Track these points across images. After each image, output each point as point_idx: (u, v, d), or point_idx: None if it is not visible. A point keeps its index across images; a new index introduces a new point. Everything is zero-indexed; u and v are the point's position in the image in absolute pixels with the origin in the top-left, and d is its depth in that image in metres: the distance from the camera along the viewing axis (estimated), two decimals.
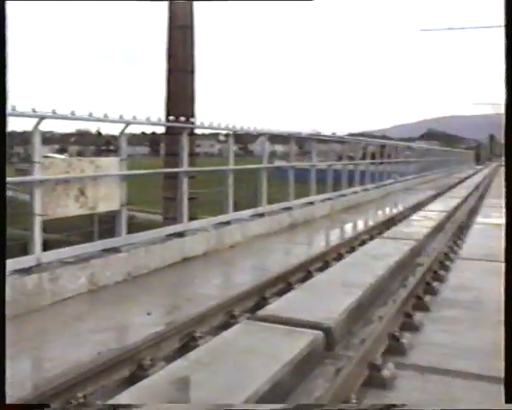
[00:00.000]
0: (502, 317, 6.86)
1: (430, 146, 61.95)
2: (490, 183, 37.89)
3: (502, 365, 5.31)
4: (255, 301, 7.29)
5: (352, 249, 11.08)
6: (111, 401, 3.92)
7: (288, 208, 14.92)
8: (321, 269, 9.16)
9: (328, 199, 18.26)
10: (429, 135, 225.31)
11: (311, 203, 16.67)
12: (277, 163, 17.64)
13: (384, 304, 7.23)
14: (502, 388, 4.84)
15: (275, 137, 17.22)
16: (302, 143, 21.25)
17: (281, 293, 7.48)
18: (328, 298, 6.66)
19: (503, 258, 9.16)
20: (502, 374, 5.08)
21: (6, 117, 0.48)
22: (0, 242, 0.46)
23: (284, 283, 8.21)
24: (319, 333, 5.38)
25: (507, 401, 0.49)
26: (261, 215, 13.26)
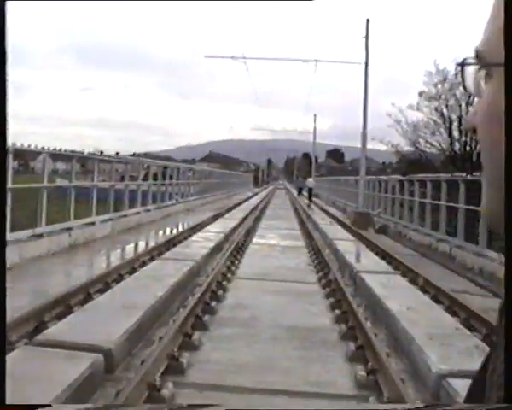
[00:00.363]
0: (275, 332, 7.37)
1: (211, 168, 63.85)
2: (267, 204, 40.04)
3: (273, 378, 5.76)
4: (34, 325, 7.07)
5: (133, 270, 11.13)
6: None
7: (69, 229, 14.57)
8: (101, 291, 9.11)
9: (110, 219, 18.11)
10: (211, 157, 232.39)
11: (93, 224, 16.43)
12: (59, 182, 17.15)
13: (164, 324, 7.39)
14: (269, 398, 5.25)
15: (57, 155, 16.73)
16: (85, 161, 20.86)
17: (60, 316, 7.34)
18: (108, 320, 6.67)
19: (277, 277, 9.88)
20: (274, 387, 5.52)
21: (6, 118, 0.49)
22: (0, 241, 0.47)
23: (64, 306, 8.05)
24: (99, 356, 5.39)
25: (507, 401, 0.58)
26: (40, 236, 12.81)
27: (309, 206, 40.48)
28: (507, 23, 0.52)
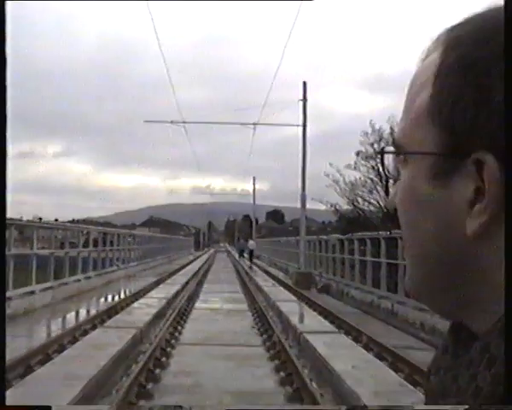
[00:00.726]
0: (221, 397, 7.30)
1: (152, 233, 63.41)
2: (208, 268, 39.89)
3: None
4: None
5: (75, 340, 10.89)
6: None
7: (8, 298, 14.18)
8: (42, 362, 8.87)
9: (50, 288, 17.72)
10: (151, 222, 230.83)
11: (33, 292, 16.04)
12: None
13: (108, 394, 7.24)
14: None
15: None
16: (23, 228, 20.48)
17: None
18: (50, 392, 6.50)
19: (221, 341, 9.82)
20: None
21: (6, 118, 0.50)
22: (0, 241, 0.47)
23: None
24: None
25: (507, 402, 0.57)
26: None
27: (251, 268, 40.57)
28: (507, 23, 0.54)
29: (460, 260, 0.59)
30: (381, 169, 32.29)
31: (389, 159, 0.69)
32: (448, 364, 0.61)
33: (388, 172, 0.69)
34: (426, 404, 0.64)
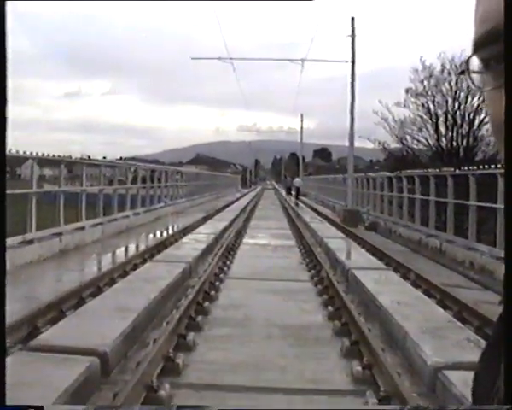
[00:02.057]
0: (269, 331, 7.38)
1: (199, 170, 63.82)
2: (255, 205, 40.05)
3: (268, 377, 5.77)
4: (27, 331, 7.04)
5: (125, 273, 11.11)
6: None
7: (59, 234, 14.52)
8: (94, 295, 9.08)
9: (100, 224, 18.06)
10: (198, 160, 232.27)
11: (83, 228, 16.38)
12: (47, 187, 17.09)
13: (158, 326, 7.38)
14: (267, 396, 5.26)
15: (43, 161, 16.64)
16: (72, 166, 20.81)
17: (54, 321, 7.31)
18: (102, 323, 6.65)
19: (269, 276, 9.88)
20: (271, 385, 5.53)
21: (6, 119, 0.49)
22: (0, 240, 0.47)
23: (57, 310, 8.02)
24: (94, 359, 5.38)
25: (507, 402, 0.57)
26: (30, 242, 12.76)
27: (297, 204, 40.59)
28: (507, 23, 0.51)
29: None
30: (431, 107, 31.61)
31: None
32: None
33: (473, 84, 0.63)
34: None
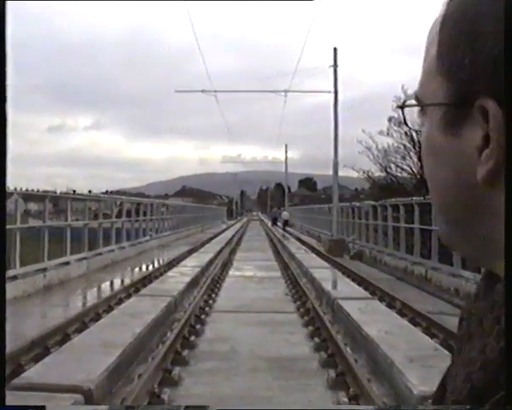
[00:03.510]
0: (255, 363, 7.34)
1: (185, 203, 63.81)
2: (241, 236, 40.06)
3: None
4: (11, 369, 6.96)
5: (110, 308, 11.04)
6: None
7: (43, 269, 14.42)
8: (79, 330, 9.01)
9: (84, 258, 17.97)
10: (184, 192, 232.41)
11: (67, 263, 16.29)
12: (32, 222, 17.01)
13: (144, 361, 7.33)
14: None
15: (28, 196, 16.59)
16: (57, 201, 20.76)
17: (38, 358, 7.24)
18: (87, 359, 6.60)
19: (255, 308, 9.84)
20: None
21: (6, 118, 0.49)
22: (0, 240, 0.46)
23: (41, 347, 7.95)
24: (79, 397, 5.32)
25: (507, 403, 0.57)
26: (14, 278, 12.66)
27: (283, 236, 40.78)
28: (507, 23, 0.54)
29: (475, 206, 0.59)
30: (414, 134, 31.96)
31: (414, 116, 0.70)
32: (476, 308, 0.62)
33: (411, 129, 0.73)
34: (455, 351, 0.65)
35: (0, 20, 0.55)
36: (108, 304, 11.64)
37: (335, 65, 29.57)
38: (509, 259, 0.53)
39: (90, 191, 25.42)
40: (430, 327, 9.79)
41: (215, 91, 36.53)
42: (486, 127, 0.56)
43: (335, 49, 29.89)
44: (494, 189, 0.57)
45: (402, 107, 0.70)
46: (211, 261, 19.43)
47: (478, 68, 0.57)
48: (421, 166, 0.70)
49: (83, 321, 9.80)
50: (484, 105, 0.56)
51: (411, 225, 19.60)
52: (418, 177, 32.62)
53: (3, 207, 0.56)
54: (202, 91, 35.60)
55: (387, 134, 32.96)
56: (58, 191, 18.19)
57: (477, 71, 0.57)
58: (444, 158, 0.61)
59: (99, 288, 15.13)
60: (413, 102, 0.67)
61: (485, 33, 0.56)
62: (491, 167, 0.56)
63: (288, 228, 50.61)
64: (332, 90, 29.65)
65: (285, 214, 55.28)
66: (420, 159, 31.97)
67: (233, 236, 38.18)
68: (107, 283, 16.02)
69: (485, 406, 0.53)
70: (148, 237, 28.70)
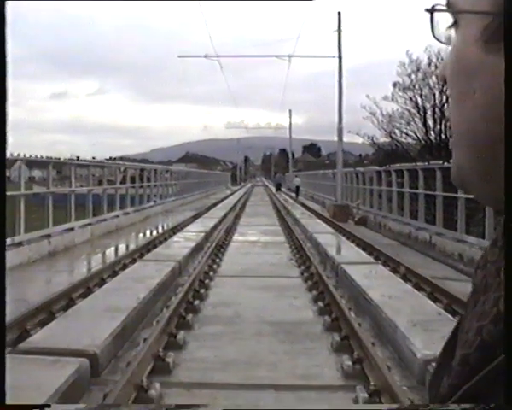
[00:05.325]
0: (259, 327, 7.38)
1: (188, 169, 63.73)
2: (246, 202, 40.06)
3: (259, 373, 5.78)
4: (16, 334, 7.00)
5: (115, 274, 11.07)
6: None
7: (48, 236, 14.45)
8: (84, 296, 9.05)
9: (89, 224, 18.00)
10: (188, 158, 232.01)
11: (72, 229, 16.32)
12: (36, 189, 17.02)
13: (148, 325, 7.37)
14: (257, 393, 5.26)
15: (32, 162, 16.57)
16: (61, 167, 20.74)
17: (43, 324, 7.28)
18: (92, 324, 6.64)
19: (259, 273, 9.87)
20: (257, 381, 5.54)
21: (6, 118, 0.48)
22: (0, 239, 0.45)
23: (46, 313, 7.99)
24: (84, 360, 5.36)
25: (507, 402, 0.55)
26: (19, 244, 12.70)
27: (295, 201, 41.21)
28: (507, 23, 0.49)
29: (503, 140, 0.51)
30: (419, 100, 31.68)
31: (438, 26, 0.59)
32: (495, 257, 0.56)
33: (435, 37, 0.60)
34: (469, 300, 0.60)
35: (0, 20, 0.53)
36: (113, 269, 11.67)
37: (339, 30, 29.24)
38: (509, 258, 0.49)
39: (93, 158, 25.37)
40: (434, 292, 9.79)
41: (218, 56, 36.19)
42: None
43: (339, 14, 29.53)
44: None
45: (431, 11, 0.59)
46: (215, 226, 19.45)
47: None
48: (445, 83, 0.60)
49: (87, 286, 9.83)
50: None
51: (416, 191, 19.56)
52: (423, 142, 32.46)
53: (3, 185, 0.54)
54: (205, 57, 35.26)
55: (392, 99, 32.72)
56: (62, 158, 18.16)
57: None
58: (480, 78, 0.53)
59: (103, 253, 15.17)
60: (442, 7, 0.58)
61: None
62: None
63: (283, 191, 50.05)
64: (336, 55, 29.37)
65: (297, 180, 54.50)
66: (425, 123, 31.92)
67: (237, 201, 38.18)
68: (112, 248, 16.06)
69: (492, 363, 0.49)
70: (152, 203, 28.71)
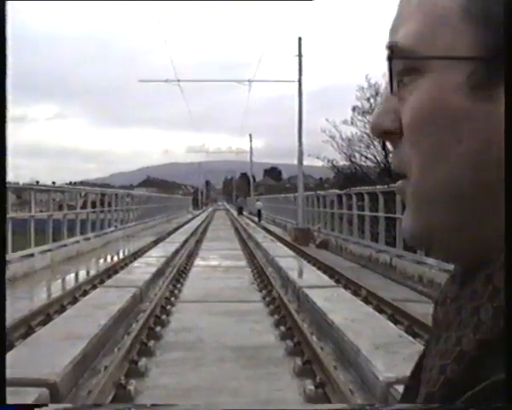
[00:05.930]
0: (221, 353, 7.34)
1: (149, 193, 63.40)
2: (207, 226, 39.98)
3: (221, 399, 5.75)
4: None
5: (75, 300, 10.94)
6: None
7: (7, 262, 14.20)
8: (43, 323, 8.91)
9: (49, 250, 17.75)
10: (149, 182, 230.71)
11: (32, 255, 16.07)
12: None
13: (110, 353, 7.29)
14: None
15: None
16: (21, 192, 20.45)
17: None
18: (52, 352, 6.52)
19: (221, 298, 9.83)
20: (225, 407, 5.51)
21: (6, 119, 0.48)
22: (0, 240, 0.45)
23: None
24: (44, 390, 5.27)
25: (507, 402, 0.54)
26: None
27: (257, 224, 41.31)
28: (507, 23, 0.47)
29: (496, 185, 0.49)
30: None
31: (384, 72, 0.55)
32: (454, 294, 0.56)
33: (392, 90, 0.55)
34: (431, 336, 0.59)
35: (0, 20, 0.54)
36: (73, 295, 11.53)
37: (300, 54, 29.64)
38: (509, 256, 0.48)
39: (53, 183, 25.07)
40: (395, 314, 9.91)
41: (179, 81, 36.31)
42: None
43: (300, 39, 29.94)
44: None
45: (390, 59, 0.55)
46: (176, 251, 19.38)
47: None
48: (385, 136, 0.57)
49: (47, 313, 9.69)
50: None
51: (376, 214, 19.79)
52: (382, 165, 32.90)
53: (4, 202, 0.55)
54: (166, 81, 35.37)
55: (351, 123, 33.10)
56: (21, 183, 17.92)
57: None
58: (469, 126, 0.50)
59: (64, 279, 14.97)
60: (402, 55, 0.54)
61: None
62: None
63: (245, 215, 50.65)
64: (296, 79, 29.70)
65: (259, 204, 55.15)
66: (384, 147, 32.21)
67: (199, 225, 38.11)
68: (73, 274, 15.86)
69: (458, 401, 0.48)
70: (113, 228, 28.49)
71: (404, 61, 0.54)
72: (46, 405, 0.58)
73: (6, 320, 0.55)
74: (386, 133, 0.57)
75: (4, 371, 0.53)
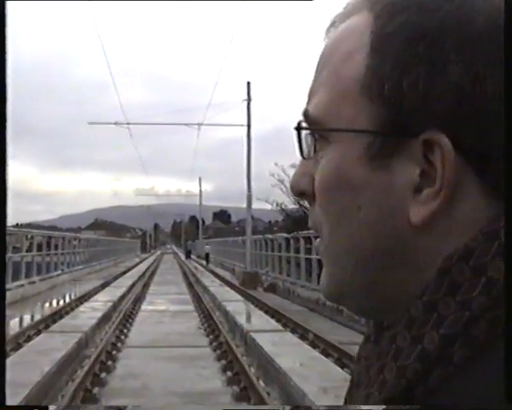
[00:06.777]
0: (168, 399, 7.27)
1: (97, 236, 62.62)
2: (155, 270, 39.63)
3: None
4: None
5: (19, 346, 10.69)
6: None
7: None
8: None
9: None
10: (97, 225, 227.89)
11: None
12: None
13: (53, 400, 7.14)
14: None
15: None
16: None
17: None
18: None
19: (167, 343, 9.78)
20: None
21: (6, 119, 0.48)
22: (0, 240, 0.45)
23: None
24: None
25: (507, 401, 0.54)
26: None
27: (205, 268, 41.31)
28: (507, 23, 0.49)
29: (397, 251, 0.52)
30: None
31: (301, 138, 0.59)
32: (366, 353, 0.57)
33: (302, 155, 0.59)
34: (346, 395, 0.59)
35: (0, 20, 0.56)
36: (17, 341, 11.26)
37: (249, 98, 30.03)
38: (509, 258, 0.48)
39: None
40: (341, 357, 9.99)
41: (128, 124, 36.33)
42: (428, 163, 0.50)
43: (249, 83, 30.39)
44: (426, 234, 0.51)
45: (298, 129, 0.58)
46: (123, 296, 19.16)
47: (432, 99, 0.50)
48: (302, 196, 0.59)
49: None
50: (431, 139, 0.50)
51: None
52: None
53: (4, 210, 0.57)
54: (115, 124, 35.34)
55: None
56: None
57: (430, 102, 0.50)
58: (365, 195, 0.53)
59: (7, 324, 14.59)
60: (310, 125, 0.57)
61: (448, 62, 0.50)
62: (435, 207, 0.50)
63: (200, 261, 51.03)
64: (245, 123, 30.05)
65: (207, 248, 56.09)
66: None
67: (146, 269, 37.80)
68: (16, 319, 15.48)
69: None
70: (59, 271, 27.99)
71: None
72: (46, 407, 0.61)
73: (6, 319, 0.60)
74: (302, 194, 0.59)
75: (4, 372, 0.56)
